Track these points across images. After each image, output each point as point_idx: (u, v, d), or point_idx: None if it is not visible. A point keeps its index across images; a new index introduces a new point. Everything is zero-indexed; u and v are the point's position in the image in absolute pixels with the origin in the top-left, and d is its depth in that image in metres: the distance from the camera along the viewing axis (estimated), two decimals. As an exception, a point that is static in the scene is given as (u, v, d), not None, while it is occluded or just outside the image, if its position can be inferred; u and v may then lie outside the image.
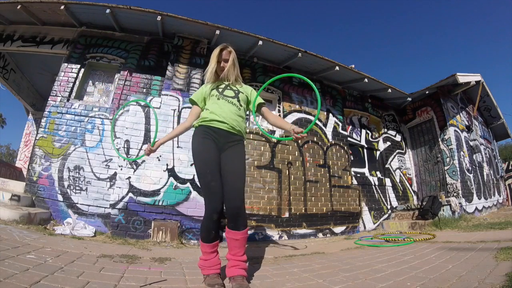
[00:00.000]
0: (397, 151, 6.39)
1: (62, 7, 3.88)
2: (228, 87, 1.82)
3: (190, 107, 4.00)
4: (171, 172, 3.68)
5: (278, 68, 5.09)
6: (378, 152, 6.08)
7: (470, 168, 6.19)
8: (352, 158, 5.43)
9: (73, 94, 4.03)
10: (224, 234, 1.68)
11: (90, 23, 4.37)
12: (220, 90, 1.79)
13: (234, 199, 1.57)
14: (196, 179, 3.74)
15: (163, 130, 3.83)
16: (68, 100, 3.93)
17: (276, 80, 5.09)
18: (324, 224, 4.49)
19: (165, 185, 3.61)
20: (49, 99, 3.93)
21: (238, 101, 1.79)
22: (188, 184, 3.71)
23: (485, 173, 7.20)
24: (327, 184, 4.75)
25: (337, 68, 4.96)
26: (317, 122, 5.11)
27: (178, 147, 3.82)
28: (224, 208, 1.60)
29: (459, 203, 5.36)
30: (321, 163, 4.83)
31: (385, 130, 6.35)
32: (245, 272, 1.57)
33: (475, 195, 6.07)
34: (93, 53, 4.28)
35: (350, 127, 5.80)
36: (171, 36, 4.41)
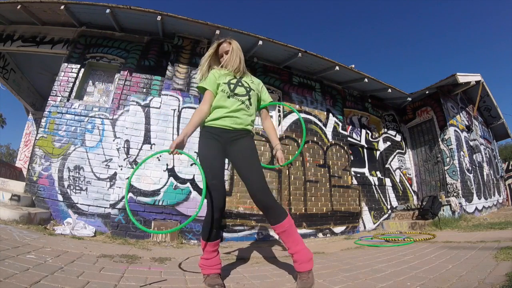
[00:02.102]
0: (397, 151, 6.39)
1: (62, 7, 3.88)
2: (240, 83, 1.72)
3: (190, 107, 4.05)
4: (171, 172, 3.68)
5: (278, 68, 5.09)
6: (378, 152, 6.08)
7: (470, 168, 6.19)
8: (352, 158, 5.43)
9: (73, 94, 4.03)
10: (222, 234, 1.68)
11: (90, 23, 4.37)
12: (232, 86, 1.69)
13: (262, 198, 1.55)
14: (196, 179, 3.76)
15: (163, 130, 3.84)
16: (68, 100, 3.93)
17: (276, 80, 5.11)
18: (324, 224, 4.49)
19: (165, 185, 3.61)
20: (49, 99, 3.93)
21: (249, 99, 1.72)
22: (188, 184, 3.71)
23: (485, 173, 7.20)
24: (327, 184, 4.75)
25: (337, 68, 4.96)
26: (317, 122, 5.11)
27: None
28: (259, 206, 1.60)
29: (459, 203, 5.36)
30: (321, 163, 4.84)
31: (385, 130, 6.35)
32: (308, 265, 1.48)
33: (475, 195, 6.07)
34: (93, 53, 4.28)
35: (350, 127, 5.80)
36: (171, 36, 4.41)
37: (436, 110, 6.20)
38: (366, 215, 5.12)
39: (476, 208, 5.98)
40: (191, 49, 4.39)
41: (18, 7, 3.92)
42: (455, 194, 5.55)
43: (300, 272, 1.48)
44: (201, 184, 3.75)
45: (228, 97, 1.67)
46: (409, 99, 6.21)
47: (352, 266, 2.10)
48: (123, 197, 3.43)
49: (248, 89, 1.74)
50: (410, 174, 6.45)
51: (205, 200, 1.51)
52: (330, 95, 5.55)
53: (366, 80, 5.38)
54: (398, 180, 6.06)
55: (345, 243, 3.57)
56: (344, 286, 1.56)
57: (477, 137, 7.36)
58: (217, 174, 1.58)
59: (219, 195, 1.55)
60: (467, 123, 6.84)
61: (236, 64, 1.74)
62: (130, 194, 3.46)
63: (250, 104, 1.73)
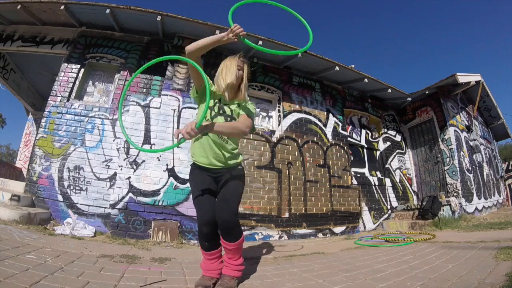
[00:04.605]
0: (397, 151, 6.39)
1: (62, 7, 3.88)
2: (221, 111, 1.59)
3: (190, 107, 4.06)
4: (171, 172, 3.68)
5: (278, 68, 5.09)
6: (378, 152, 6.08)
7: (470, 168, 6.19)
8: (352, 158, 5.43)
9: (73, 94, 4.03)
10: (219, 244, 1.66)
11: (90, 23, 4.37)
12: (213, 114, 1.58)
13: (222, 213, 1.50)
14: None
15: (163, 130, 3.84)
16: (68, 100, 3.93)
17: (276, 80, 5.09)
18: (324, 224, 4.49)
19: (165, 185, 3.61)
20: (49, 99, 3.93)
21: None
22: (188, 184, 3.70)
23: (485, 173, 7.20)
24: (327, 184, 4.75)
25: (337, 68, 4.96)
26: (317, 122, 5.10)
27: (178, 147, 3.82)
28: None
29: (459, 203, 5.36)
30: (321, 163, 4.83)
31: (385, 130, 6.35)
32: (236, 272, 1.57)
33: (475, 195, 6.07)
34: (93, 53, 4.28)
35: (350, 127, 5.80)
36: (171, 36, 4.41)
37: (436, 110, 6.19)
38: (366, 215, 5.12)
39: (476, 208, 5.97)
40: (191, 49, 4.39)
41: (18, 7, 3.92)
42: (455, 194, 5.55)
43: (225, 275, 1.54)
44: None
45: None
46: (409, 99, 6.21)
47: (352, 266, 2.10)
48: (123, 197, 3.44)
49: (229, 116, 1.61)
50: (410, 174, 6.45)
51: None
52: (330, 95, 5.55)
53: (366, 80, 5.38)
54: (398, 180, 6.06)
55: (345, 243, 3.57)
56: (344, 286, 1.56)
57: (477, 137, 7.36)
58: (204, 192, 1.59)
59: (204, 209, 1.56)
60: (467, 123, 6.84)
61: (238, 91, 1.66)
62: (130, 194, 3.46)
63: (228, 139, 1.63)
